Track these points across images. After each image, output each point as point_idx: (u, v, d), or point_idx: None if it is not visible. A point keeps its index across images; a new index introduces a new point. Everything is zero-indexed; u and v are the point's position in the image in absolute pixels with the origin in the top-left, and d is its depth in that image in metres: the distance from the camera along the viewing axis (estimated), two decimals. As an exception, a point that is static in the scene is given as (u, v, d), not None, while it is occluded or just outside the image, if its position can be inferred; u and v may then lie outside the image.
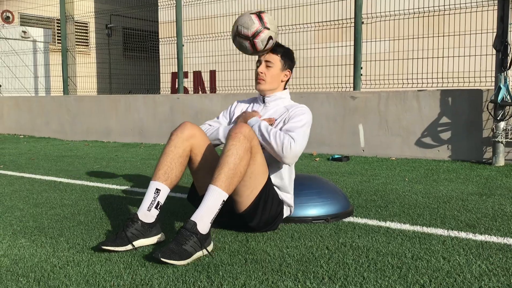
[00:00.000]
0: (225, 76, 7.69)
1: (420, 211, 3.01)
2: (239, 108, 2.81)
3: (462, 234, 2.49)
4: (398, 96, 5.56)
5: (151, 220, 2.28)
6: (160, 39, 9.09)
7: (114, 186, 3.91)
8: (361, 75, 5.90)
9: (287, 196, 2.62)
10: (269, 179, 2.50)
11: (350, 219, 2.83)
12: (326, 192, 2.90)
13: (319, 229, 2.60)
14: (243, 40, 2.55)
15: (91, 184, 4.02)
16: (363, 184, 3.98)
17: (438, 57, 5.65)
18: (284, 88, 2.77)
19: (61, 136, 8.71)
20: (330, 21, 6.60)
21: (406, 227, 2.65)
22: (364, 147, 5.79)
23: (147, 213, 2.27)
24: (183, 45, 7.47)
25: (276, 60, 2.65)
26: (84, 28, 15.05)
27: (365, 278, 1.90)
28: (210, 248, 2.16)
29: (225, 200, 2.20)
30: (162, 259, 1.99)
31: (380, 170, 4.70)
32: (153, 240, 2.29)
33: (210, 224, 2.17)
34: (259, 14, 2.56)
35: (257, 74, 2.67)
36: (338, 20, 6.42)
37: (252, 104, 2.79)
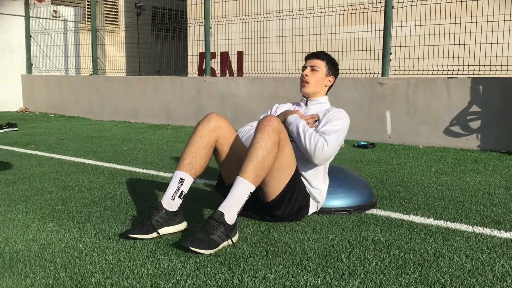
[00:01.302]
0: (252, 57, 7.66)
1: (445, 205, 2.98)
2: (281, 109, 2.86)
3: (487, 231, 2.46)
4: (428, 83, 5.47)
5: (175, 209, 2.32)
6: (188, 21, 9.07)
7: (140, 170, 3.97)
8: (390, 60, 5.80)
9: (316, 191, 2.63)
10: (296, 172, 2.51)
11: (373, 211, 2.82)
12: (349, 183, 2.89)
13: (341, 221, 2.60)
14: None
15: (118, 167, 4.10)
16: (388, 173, 3.95)
17: (470, 44, 5.51)
18: (326, 93, 2.83)
19: (90, 116, 8.86)
20: (359, 4, 6.49)
21: (430, 221, 2.63)
22: (391, 134, 5.73)
23: (171, 202, 2.31)
24: (210, 27, 7.45)
25: (321, 65, 2.74)
26: (114, 7, 15.18)
27: (386, 275, 1.90)
28: (235, 238, 2.19)
29: (252, 192, 2.23)
30: (191, 248, 2.03)
31: (406, 159, 4.65)
32: (176, 228, 2.33)
33: (236, 215, 2.20)
34: None
35: (302, 76, 2.75)
36: (368, 3, 6.30)
37: (294, 106, 2.87)
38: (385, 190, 3.37)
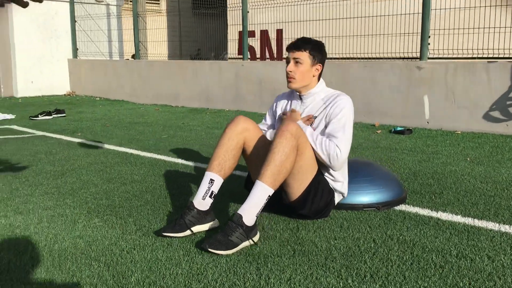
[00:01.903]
0: (292, 34, 7.62)
1: (475, 199, 3.01)
2: (279, 106, 2.89)
3: (513, 230, 2.50)
4: (467, 67, 5.38)
5: (206, 208, 2.46)
6: (228, 5, 9.11)
7: (179, 161, 4.15)
8: (429, 44, 5.73)
9: (337, 184, 2.71)
10: (318, 172, 2.60)
11: (402, 207, 2.89)
12: (378, 179, 2.96)
13: (368, 218, 2.69)
14: None
15: (159, 157, 4.29)
16: (421, 164, 3.98)
17: (511, 27, 5.37)
18: (318, 81, 2.74)
19: (133, 99, 9.13)
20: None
21: (457, 218, 2.68)
22: (429, 119, 5.69)
23: (202, 202, 2.46)
24: (248, 11, 7.50)
25: (304, 56, 2.63)
26: None
27: (406, 278, 1.99)
28: (256, 238, 2.32)
29: (270, 195, 2.34)
30: (209, 249, 2.18)
31: (442, 147, 4.65)
32: (208, 226, 2.48)
33: (256, 217, 2.32)
34: None
35: (287, 73, 2.67)
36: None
37: (290, 101, 2.86)
38: (416, 183, 3.41)
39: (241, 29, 8.16)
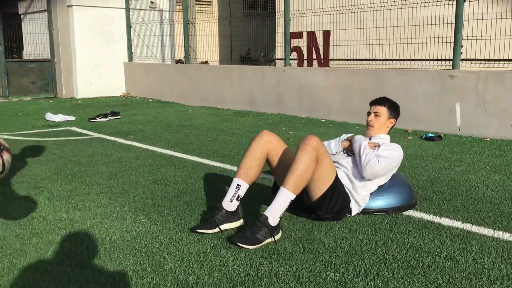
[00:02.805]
0: (338, 36, 7.88)
1: (480, 207, 3.29)
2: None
3: (505, 236, 2.79)
4: (497, 77, 5.55)
5: (233, 209, 2.89)
6: (277, 12, 9.46)
7: (218, 164, 4.59)
8: (461, 53, 5.92)
9: (358, 196, 3.09)
10: (336, 180, 2.98)
11: (410, 212, 3.21)
12: (390, 186, 3.29)
13: (377, 222, 3.03)
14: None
15: (200, 160, 4.75)
16: (441, 171, 4.25)
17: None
18: (388, 133, 3.33)
19: (182, 101, 9.71)
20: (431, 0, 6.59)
21: (457, 224, 2.98)
22: (460, 126, 5.90)
23: (229, 204, 2.89)
24: (290, 20, 7.87)
25: (383, 110, 3.25)
26: None
27: (394, 274, 2.34)
28: (278, 237, 2.73)
29: (292, 199, 2.74)
30: (238, 243, 2.60)
31: (467, 154, 4.88)
32: (235, 224, 2.90)
33: (279, 218, 2.73)
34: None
35: (367, 122, 3.27)
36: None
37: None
38: (430, 190, 3.71)
39: (290, 28, 8.55)
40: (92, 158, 4.84)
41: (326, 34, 8.54)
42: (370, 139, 3.31)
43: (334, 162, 3.17)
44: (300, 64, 8.71)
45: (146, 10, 11.22)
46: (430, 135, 5.77)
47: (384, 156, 3.09)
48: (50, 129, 6.70)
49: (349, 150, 3.25)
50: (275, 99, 7.94)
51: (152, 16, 11.25)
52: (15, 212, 3.24)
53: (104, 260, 2.52)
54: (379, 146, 3.19)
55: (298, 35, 9.01)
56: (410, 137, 5.82)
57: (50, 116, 7.61)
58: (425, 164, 4.53)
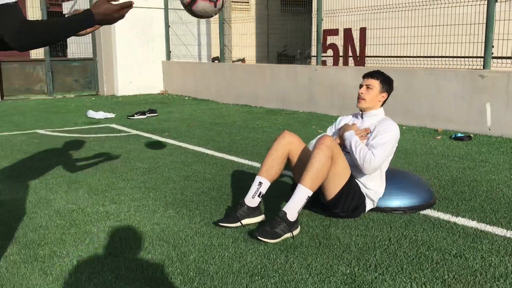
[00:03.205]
0: (375, 33, 7.93)
1: (497, 207, 3.36)
2: (343, 121, 3.44)
3: (517, 236, 2.87)
4: (529, 77, 5.53)
5: (255, 205, 3.07)
6: (313, 11, 9.55)
7: (246, 161, 4.79)
8: (492, 54, 5.91)
9: (370, 192, 3.21)
10: (351, 178, 3.12)
11: (428, 211, 3.32)
12: (408, 186, 3.40)
13: (393, 220, 3.16)
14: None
15: (229, 157, 4.96)
16: (465, 171, 4.31)
17: None
18: (381, 107, 3.34)
19: (217, 99, 9.95)
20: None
21: (472, 224, 3.08)
22: (491, 126, 5.89)
23: (251, 200, 3.07)
24: (322, 19, 7.98)
25: (375, 83, 3.25)
26: None
27: (403, 269, 2.48)
28: (296, 232, 2.89)
29: (309, 196, 2.90)
30: (259, 237, 2.79)
31: (494, 155, 4.90)
32: (256, 219, 3.09)
33: (297, 214, 2.89)
34: None
35: (358, 94, 3.27)
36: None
37: (353, 118, 3.40)
38: (451, 190, 3.79)
39: (326, 25, 8.65)
40: (129, 155, 5.12)
41: (362, 31, 8.59)
42: (362, 116, 3.33)
43: None
44: (335, 61, 8.79)
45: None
46: (459, 135, 5.79)
47: (378, 144, 3.09)
48: (91, 126, 7.05)
49: (343, 146, 3.24)
50: (307, 98, 8.08)
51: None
52: (56, 204, 3.52)
53: (135, 249, 2.75)
54: (370, 132, 3.21)
55: (334, 32, 9.09)
56: (439, 137, 5.86)
57: (91, 114, 7.98)
58: (450, 164, 4.59)
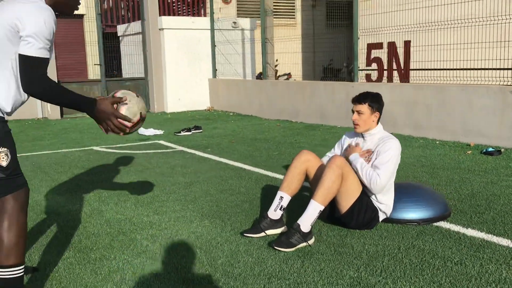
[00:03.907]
0: (419, 47, 8.11)
1: (508, 220, 3.57)
2: (347, 141, 3.74)
3: (519, 247, 3.09)
4: (559, 92, 5.63)
5: (277, 218, 3.43)
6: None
7: (279, 176, 5.14)
8: (523, 69, 6.04)
9: (382, 205, 3.50)
10: (362, 193, 3.42)
11: (440, 223, 3.57)
12: (422, 200, 3.67)
13: (406, 231, 3.44)
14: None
15: (264, 172, 5.34)
16: (486, 186, 4.51)
17: None
18: (377, 124, 3.58)
19: (260, 115, 10.38)
20: (498, 16, 6.72)
21: (480, 235, 3.32)
22: (522, 140, 6.00)
23: (274, 213, 3.44)
24: (358, 38, 8.27)
25: (364, 108, 3.49)
26: (291, 1, 16.64)
27: (405, 274, 2.77)
28: (311, 241, 3.23)
29: (321, 210, 3.23)
30: (275, 246, 3.14)
31: (520, 169, 5.05)
32: (278, 230, 3.44)
33: (311, 226, 3.22)
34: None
35: (353, 121, 3.56)
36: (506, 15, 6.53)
37: (355, 138, 3.70)
38: (468, 203, 4.01)
39: (370, 39, 8.91)
40: (173, 170, 5.59)
41: (407, 44, 8.76)
42: (363, 136, 3.58)
43: None
44: (380, 75, 8.98)
45: (229, 30, 12.06)
46: (490, 149, 5.94)
47: (381, 164, 3.37)
48: (141, 143, 7.61)
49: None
50: (344, 113, 8.36)
51: (235, 35, 12.07)
52: (107, 215, 4.01)
53: (172, 254, 3.17)
54: (372, 152, 3.48)
55: (378, 45, 9.33)
56: (469, 152, 6.02)
57: (142, 131, 8.56)
58: (473, 178, 4.79)
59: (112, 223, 3.80)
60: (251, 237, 3.39)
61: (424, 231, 3.42)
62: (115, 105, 2.44)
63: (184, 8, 14.20)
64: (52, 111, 11.02)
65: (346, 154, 3.58)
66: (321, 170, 3.50)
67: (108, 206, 4.25)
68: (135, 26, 12.50)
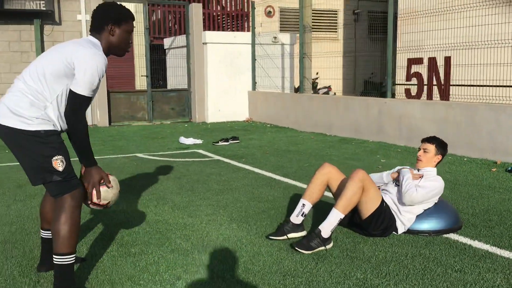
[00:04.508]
0: (460, 61, 8.29)
1: (516, 235, 3.81)
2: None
3: (519, 259, 3.34)
4: None
5: (298, 222, 3.79)
6: (397, 33, 10.01)
7: (305, 186, 5.48)
8: (550, 90, 6.18)
9: (404, 218, 3.81)
10: (381, 204, 3.74)
11: (450, 235, 3.84)
12: (434, 212, 3.94)
13: (417, 240, 3.73)
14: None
15: (293, 182, 5.70)
16: (503, 202, 4.72)
17: None
18: (435, 167, 3.97)
19: (296, 127, 10.74)
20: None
21: (485, 247, 3.57)
22: (548, 159, 6.13)
23: (296, 218, 3.80)
24: (391, 57, 8.53)
25: (431, 148, 3.91)
26: (333, 15, 16.97)
27: (407, 278, 3.08)
28: (329, 246, 3.57)
29: (341, 218, 3.57)
30: (296, 248, 3.51)
31: (540, 187, 5.22)
32: (299, 234, 3.79)
33: (330, 232, 3.57)
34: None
35: (417, 156, 3.97)
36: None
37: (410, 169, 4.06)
38: (481, 218, 4.26)
39: (410, 54, 9.16)
40: (208, 177, 6.03)
41: (447, 60, 8.91)
42: (418, 170, 4.00)
43: (384, 189, 3.94)
44: (420, 90, 9.12)
45: (269, 44, 12.51)
46: (515, 167, 6.10)
47: (424, 186, 3.77)
48: (181, 151, 8.11)
49: (397, 180, 3.97)
50: (376, 128, 8.62)
51: (275, 49, 12.50)
52: (147, 216, 4.46)
53: (201, 252, 3.57)
54: (422, 177, 3.87)
55: (419, 61, 9.54)
56: (494, 169, 6.20)
57: (182, 140, 9.08)
58: (492, 195, 5.00)
59: (150, 223, 4.24)
60: (275, 239, 3.76)
61: (432, 241, 3.70)
62: (102, 180, 2.96)
63: (229, 21, 14.75)
64: (101, 119, 11.72)
65: (399, 169, 3.99)
66: (342, 182, 3.85)
67: (148, 208, 4.71)
68: (181, 39, 13.12)
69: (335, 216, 3.57)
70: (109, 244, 3.75)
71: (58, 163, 2.78)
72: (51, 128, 2.79)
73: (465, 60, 8.12)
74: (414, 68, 9.55)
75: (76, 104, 2.75)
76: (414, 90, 9.49)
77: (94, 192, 2.92)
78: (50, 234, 3.07)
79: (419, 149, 4.00)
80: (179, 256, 3.50)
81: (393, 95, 8.89)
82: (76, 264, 3.26)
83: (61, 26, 11.67)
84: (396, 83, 9.63)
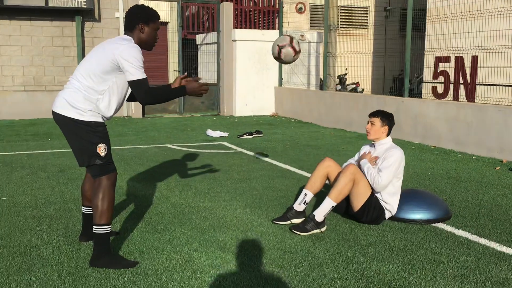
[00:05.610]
0: (486, 62, 8.64)
1: (497, 225, 4.24)
2: (363, 149, 4.56)
3: (492, 245, 3.79)
4: None
5: (301, 210, 4.32)
6: (426, 33, 10.36)
7: (318, 178, 6.00)
8: (555, 94, 6.51)
9: (387, 205, 4.30)
10: (371, 195, 4.23)
11: (438, 224, 4.31)
12: (424, 204, 4.40)
13: (407, 228, 4.21)
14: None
15: (306, 174, 6.21)
16: (496, 198, 5.14)
17: None
18: (387, 136, 4.40)
19: (318, 122, 11.22)
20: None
21: (466, 235, 4.03)
22: (551, 159, 6.47)
23: (298, 206, 4.33)
24: (409, 59, 8.92)
25: (376, 121, 4.34)
26: (364, 12, 17.26)
27: (390, 257, 3.57)
28: (323, 229, 4.09)
29: (334, 206, 4.09)
30: (293, 230, 4.05)
31: (536, 185, 5.60)
32: (300, 220, 4.30)
33: (324, 217, 4.08)
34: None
35: (366, 130, 4.41)
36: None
37: (370, 147, 4.52)
38: (470, 211, 4.70)
39: (437, 55, 9.48)
40: (230, 168, 6.61)
41: (474, 59, 9.17)
42: (374, 145, 4.40)
43: None
44: (446, 88, 9.36)
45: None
46: (518, 166, 6.46)
47: (384, 168, 4.17)
48: (207, 143, 8.72)
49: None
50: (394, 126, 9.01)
51: (302, 47, 12.96)
52: (172, 200, 5.06)
53: (216, 231, 4.15)
54: (379, 158, 4.27)
55: (446, 59, 9.84)
56: (498, 168, 6.57)
57: (209, 132, 9.69)
58: (488, 191, 5.41)
59: (175, 206, 4.85)
60: (279, 223, 4.31)
61: (421, 229, 4.19)
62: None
63: (260, 17, 15.26)
64: (135, 110, 12.45)
65: (359, 159, 4.42)
66: (339, 174, 4.36)
67: (173, 193, 5.32)
68: (212, 36, 13.73)
69: (328, 204, 4.08)
70: (139, 222, 4.37)
71: (101, 150, 3.40)
72: (99, 120, 3.42)
73: (490, 63, 8.43)
74: (441, 66, 9.81)
75: (141, 88, 3.34)
76: (440, 89, 9.77)
77: (205, 87, 3.61)
78: (90, 210, 3.70)
79: (367, 122, 4.40)
80: (197, 233, 4.09)
81: (417, 94, 9.24)
82: (111, 236, 3.88)
83: (100, 23, 12.42)
84: (423, 81, 9.93)
